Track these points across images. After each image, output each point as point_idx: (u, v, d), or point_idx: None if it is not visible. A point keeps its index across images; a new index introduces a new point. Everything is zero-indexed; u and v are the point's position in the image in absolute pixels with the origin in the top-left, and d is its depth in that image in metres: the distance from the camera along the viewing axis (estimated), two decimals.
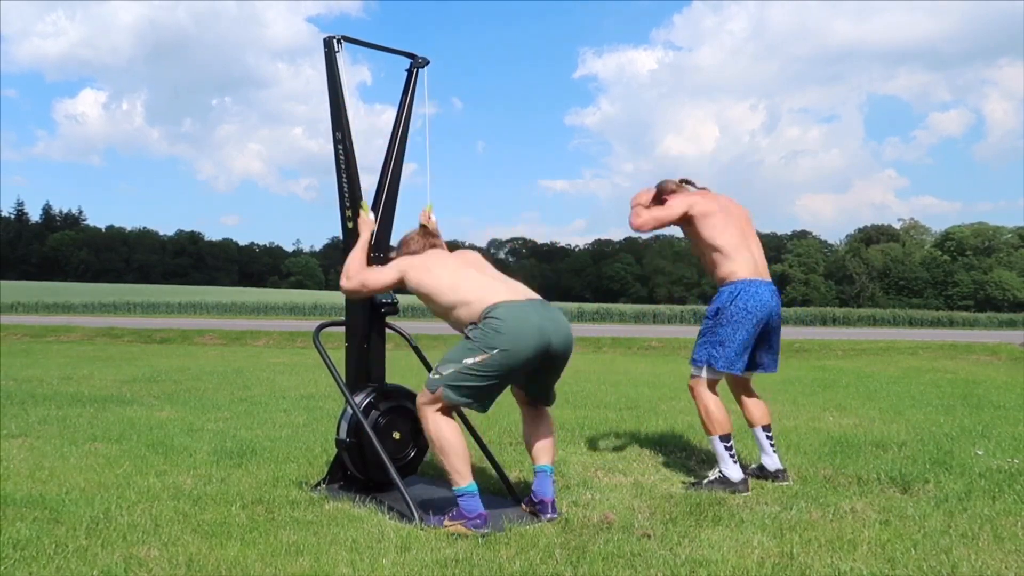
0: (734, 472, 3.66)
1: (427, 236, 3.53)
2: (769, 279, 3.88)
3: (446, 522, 3.03)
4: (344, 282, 3.42)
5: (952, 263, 73.47)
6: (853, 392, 8.03)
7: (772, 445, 3.94)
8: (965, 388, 8.43)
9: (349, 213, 3.63)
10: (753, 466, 4.00)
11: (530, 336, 3.00)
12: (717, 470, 3.72)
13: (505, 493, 3.56)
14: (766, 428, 3.96)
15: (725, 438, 3.72)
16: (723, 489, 3.60)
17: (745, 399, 4.04)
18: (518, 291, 3.19)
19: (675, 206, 3.88)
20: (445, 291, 3.19)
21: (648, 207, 3.97)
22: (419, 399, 3.16)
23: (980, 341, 16.35)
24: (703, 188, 4.08)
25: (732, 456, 3.70)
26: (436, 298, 3.21)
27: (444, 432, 3.07)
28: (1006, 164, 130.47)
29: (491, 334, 2.98)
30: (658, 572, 2.57)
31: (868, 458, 4.37)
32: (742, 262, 3.81)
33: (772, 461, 3.91)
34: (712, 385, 3.81)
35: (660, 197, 3.99)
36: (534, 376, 3.20)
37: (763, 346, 3.87)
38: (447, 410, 3.10)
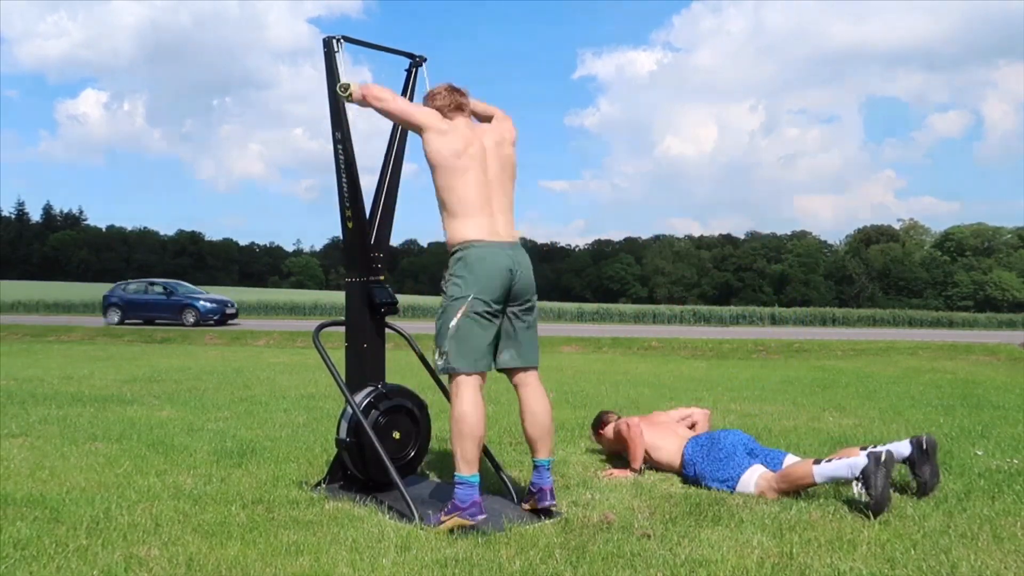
0: None
1: (454, 92, 3.41)
2: None
3: (442, 518, 3.03)
4: (378, 101, 3.37)
5: (952, 263, 73.49)
6: (853, 392, 8.03)
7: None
8: (964, 388, 8.43)
9: (349, 213, 3.63)
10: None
11: (496, 275, 3.15)
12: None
13: (505, 493, 3.56)
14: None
15: None
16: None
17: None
18: (497, 228, 3.23)
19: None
20: (446, 185, 3.23)
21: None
22: (450, 389, 3.20)
23: (980, 341, 16.35)
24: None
25: None
26: (436, 177, 3.25)
27: (469, 416, 3.09)
28: (1005, 164, 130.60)
29: (460, 281, 3.14)
30: (658, 572, 2.57)
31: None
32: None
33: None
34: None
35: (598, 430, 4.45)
36: (507, 325, 3.26)
37: None
38: (477, 389, 3.15)
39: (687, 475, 3.83)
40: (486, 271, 3.13)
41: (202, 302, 24.08)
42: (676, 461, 3.91)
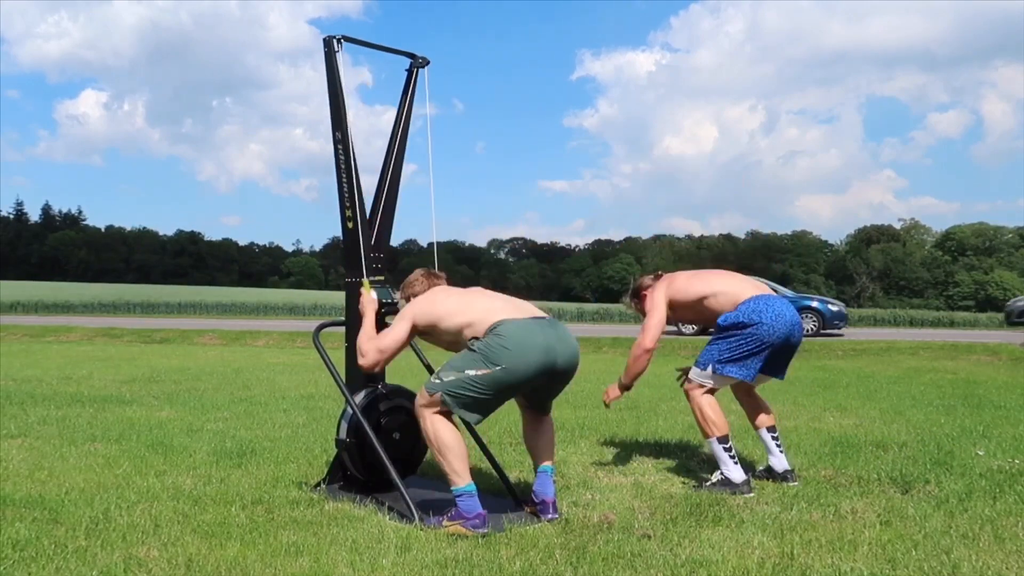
0: (736, 473, 3.65)
1: (430, 277, 3.48)
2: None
3: (445, 522, 3.03)
4: (362, 360, 3.30)
5: (953, 263, 73.47)
6: (853, 392, 8.02)
7: (779, 446, 3.94)
8: (966, 388, 8.42)
9: (349, 213, 3.63)
10: (761, 468, 4.00)
11: (535, 354, 3.01)
12: (719, 473, 3.70)
13: (505, 493, 3.56)
14: (771, 429, 3.96)
15: (723, 440, 3.71)
16: (726, 491, 3.58)
17: (748, 402, 4.03)
18: (524, 309, 3.19)
19: (657, 302, 3.92)
20: (451, 314, 3.18)
21: (644, 316, 3.96)
22: (417, 400, 3.16)
23: (981, 341, 16.32)
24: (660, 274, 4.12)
25: (732, 457, 3.69)
26: (442, 323, 3.18)
27: (442, 433, 3.07)
28: (1004, 164, 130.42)
29: (497, 350, 2.98)
30: (658, 572, 2.56)
31: (869, 458, 4.36)
32: (740, 287, 3.86)
33: (780, 462, 3.91)
34: (711, 389, 3.80)
35: (639, 293, 4.06)
36: (536, 390, 3.22)
37: (780, 357, 3.87)
38: (446, 412, 3.10)
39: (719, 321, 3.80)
40: (521, 345, 3.00)
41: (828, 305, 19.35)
42: (729, 305, 3.80)
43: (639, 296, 4.05)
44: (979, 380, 9.44)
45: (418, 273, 3.50)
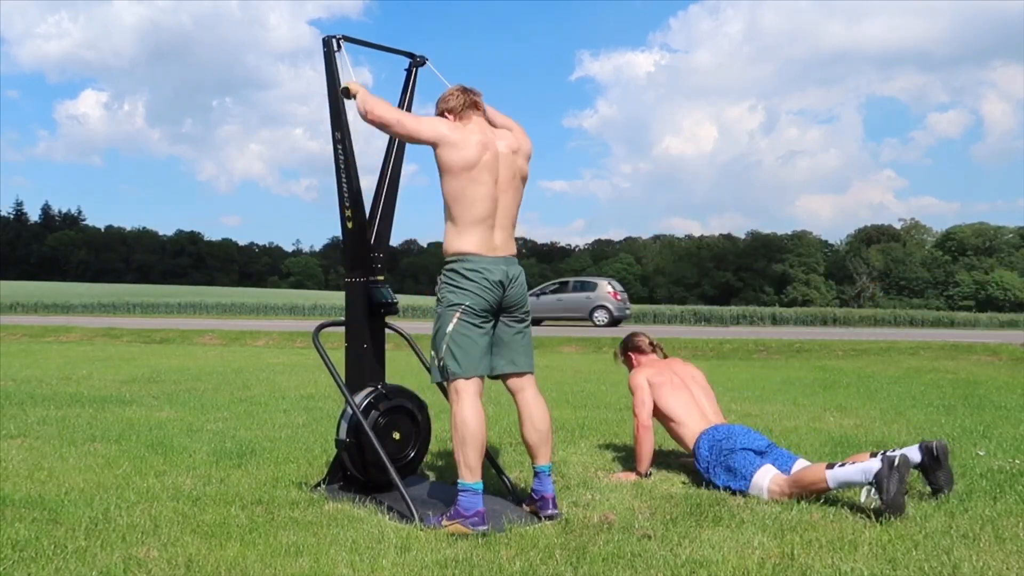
0: None
1: (467, 92, 3.32)
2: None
3: (444, 522, 3.02)
4: (375, 107, 3.25)
5: (953, 263, 73.45)
6: (854, 392, 8.02)
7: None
8: (966, 388, 8.42)
9: (349, 213, 3.62)
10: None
11: (488, 287, 3.14)
12: None
13: (505, 493, 3.55)
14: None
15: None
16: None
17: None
18: (495, 244, 3.21)
19: (639, 384, 4.06)
20: (453, 189, 3.19)
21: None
22: (449, 396, 3.19)
23: (981, 341, 16.32)
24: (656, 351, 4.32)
25: None
26: (446, 184, 3.21)
27: (470, 421, 3.07)
28: (1004, 164, 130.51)
29: (454, 290, 3.15)
30: (659, 573, 2.56)
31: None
32: (698, 420, 3.94)
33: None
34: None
35: (626, 352, 4.41)
36: (501, 334, 3.25)
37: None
38: (477, 395, 3.13)
39: (698, 467, 3.79)
40: (478, 284, 3.13)
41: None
42: (690, 445, 3.86)
43: (625, 355, 4.39)
44: (979, 380, 9.44)
45: (455, 88, 3.36)
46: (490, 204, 3.19)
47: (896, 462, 3.17)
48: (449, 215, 3.23)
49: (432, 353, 3.23)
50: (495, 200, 3.20)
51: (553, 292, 22.74)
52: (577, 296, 22.08)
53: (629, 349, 4.40)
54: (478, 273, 3.14)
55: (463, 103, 3.29)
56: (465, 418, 3.08)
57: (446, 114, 3.31)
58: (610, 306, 21.21)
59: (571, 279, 24.89)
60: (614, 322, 21.32)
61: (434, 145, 3.19)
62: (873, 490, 3.20)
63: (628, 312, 23.01)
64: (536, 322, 21.39)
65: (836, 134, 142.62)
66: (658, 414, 4.01)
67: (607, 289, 21.72)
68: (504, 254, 3.23)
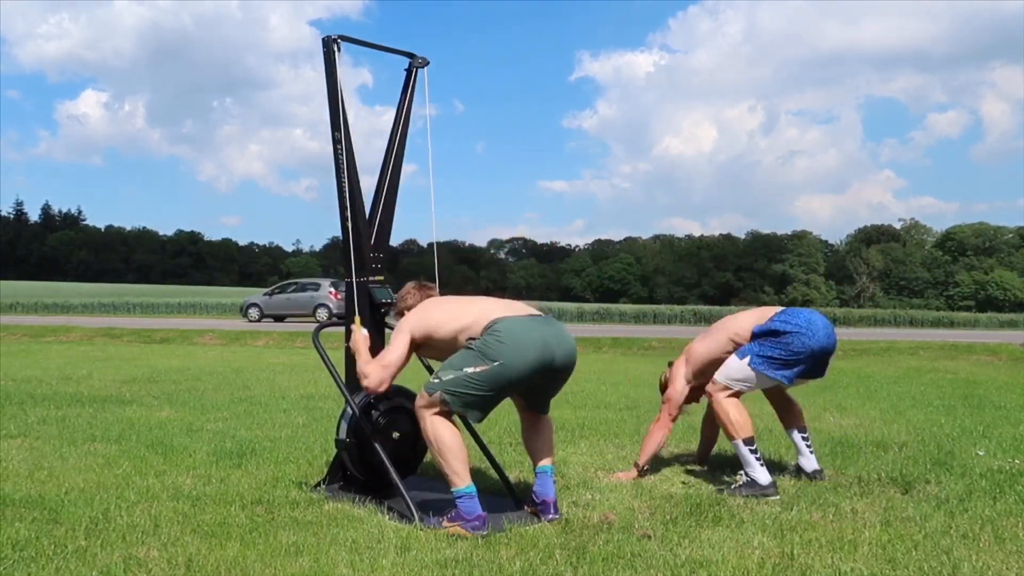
0: (762, 475, 3.62)
1: (422, 288, 3.51)
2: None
3: (445, 523, 3.02)
4: (366, 381, 3.26)
5: (953, 263, 73.45)
6: (853, 392, 8.02)
7: (809, 446, 3.99)
8: (966, 388, 8.42)
9: (349, 213, 3.62)
10: (792, 466, 4.06)
11: (532, 349, 3.00)
12: (743, 474, 3.68)
13: (505, 493, 3.55)
14: (802, 430, 4.02)
15: (749, 441, 3.68)
16: (752, 493, 3.55)
17: (779, 403, 4.09)
18: (518, 308, 3.20)
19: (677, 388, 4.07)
20: (446, 321, 3.18)
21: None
22: (417, 402, 3.16)
23: (981, 341, 16.32)
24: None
25: (758, 459, 3.66)
26: (438, 332, 3.18)
27: (442, 434, 3.06)
28: (1003, 165, 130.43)
29: (494, 346, 2.98)
30: (658, 573, 2.56)
31: (869, 458, 4.36)
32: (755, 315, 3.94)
33: (809, 462, 3.95)
34: (737, 394, 3.80)
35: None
36: (534, 389, 3.21)
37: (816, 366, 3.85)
38: (446, 412, 3.10)
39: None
40: (518, 342, 3.00)
41: None
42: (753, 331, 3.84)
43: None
44: (979, 380, 9.44)
45: (409, 286, 3.52)
46: (482, 303, 3.24)
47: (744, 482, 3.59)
48: (460, 338, 3.12)
49: (439, 370, 3.12)
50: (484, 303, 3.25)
51: (282, 292, 26.16)
52: (302, 296, 25.07)
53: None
54: (515, 332, 3.02)
55: (419, 299, 3.43)
56: (438, 433, 3.07)
57: (404, 312, 3.42)
58: (330, 304, 23.82)
59: (298, 280, 29.01)
60: (336, 316, 23.19)
61: (415, 337, 3.24)
62: (742, 480, 3.61)
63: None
64: (278, 319, 24.72)
65: (835, 134, 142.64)
66: (712, 366, 3.94)
67: (328, 290, 24.39)
68: (540, 313, 3.22)
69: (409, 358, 3.29)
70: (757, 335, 3.80)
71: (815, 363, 3.78)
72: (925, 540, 2.88)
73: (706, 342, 4.02)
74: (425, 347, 3.29)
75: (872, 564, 2.63)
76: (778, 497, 3.55)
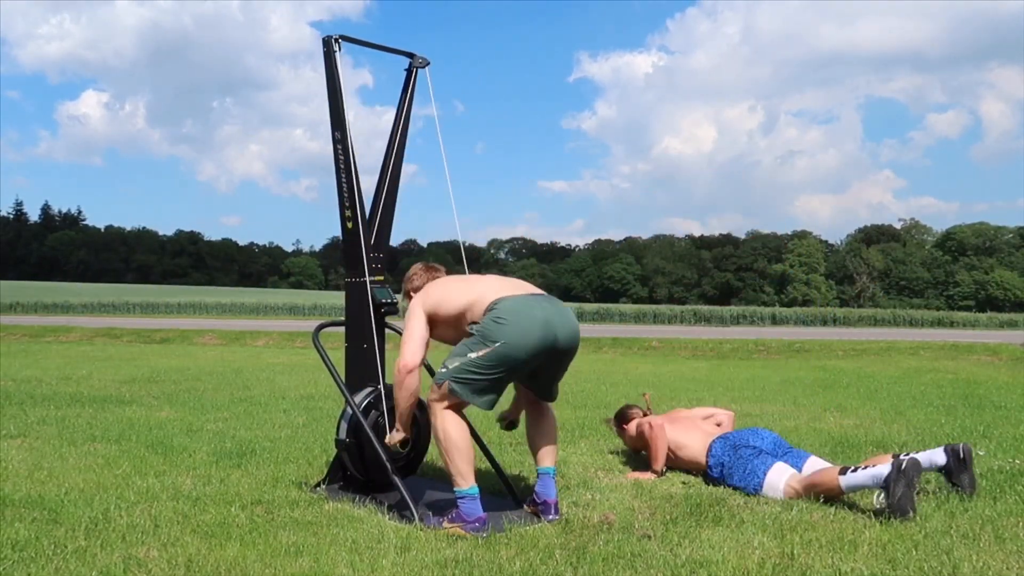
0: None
1: (429, 269, 3.52)
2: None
3: (445, 524, 3.02)
4: (401, 361, 3.16)
5: (953, 263, 73.47)
6: (854, 392, 8.02)
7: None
8: (966, 388, 8.42)
9: (349, 213, 3.62)
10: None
11: (534, 329, 2.99)
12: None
13: (505, 494, 3.55)
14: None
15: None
16: None
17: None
18: (520, 287, 3.20)
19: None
20: (449, 299, 3.18)
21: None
22: (430, 395, 3.16)
23: (981, 341, 16.33)
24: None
25: None
26: (441, 309, 3.18)
27: (451, 432, 3.06)
28: (1003, 165, 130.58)
29: (493, 327, 2.98)
30: (658, 573, 2.56)
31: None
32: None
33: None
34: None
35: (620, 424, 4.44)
36: (539, 371, 3.19)
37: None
38: (457, 409, 3.09)
39: (712, 475, 3.79)
40: (520, 322, 2.99)
41: None
42: (702, 459, 3.87)
43: (620, 427, 4.41)
44: (979, 380, 9.45)
45: (417, 267, 3.53)
46: (493, 282, 3.23)
47: (904, 465, 3.15)
48: (465, 320, 3.12)
49: (448, 357, 3.13)
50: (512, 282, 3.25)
51: None
52: None
53: (623, 422, 4.42)
54: (517, 311, 3.01)
55: (425, 280, 3.43)
56: (447, 430, 3.06)
57: (411, 293, 3.43)
58: None
59: None
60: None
61: (429, 314, 3.22)
62: (882, 494, 3.19)
63: None
64: None
65: (835, 134, 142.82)
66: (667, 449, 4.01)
67: None
68: (541, 292, 3.20)
69: (429, 335, 3.26)
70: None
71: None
72: (925, 540, 2.88)
73: (670, 431, 4.07)
74: (434, 326, 3.26)
75: (872, 564, 2.63)
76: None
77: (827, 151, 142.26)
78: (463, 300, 3.14)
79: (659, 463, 3.94)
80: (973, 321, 37.29)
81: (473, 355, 3.00)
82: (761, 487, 3.55)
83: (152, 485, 3.67)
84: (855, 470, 3.36)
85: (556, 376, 3.28)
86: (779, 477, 3.54)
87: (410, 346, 3.19)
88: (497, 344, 2.97)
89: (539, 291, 3.21)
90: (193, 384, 8.32)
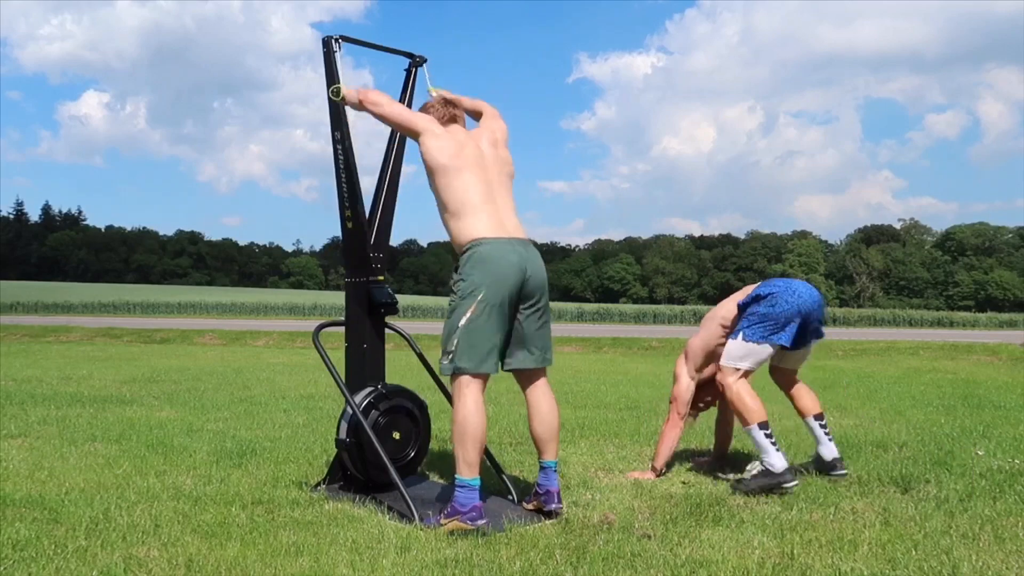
0: (777, 461, 3.56)
1: (447, 106, 3.46)
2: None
3: (442, 520, 3.02)
4: (364, 96, 3.37)
5: (953, 263, 73.51)
6: (853, 392, 8.02)
7: (827, 433, 3.95)
8: (966, 388, 8.42)
9: (349, 213, 3.63)
10: (811, 455, 4.09)
11: (509, 273, 3.08)
12: (757, 463, 3.64)
13: (505, 493, 3.55)
14: (818, 417, 3.98)
15: (764, 426, 3.63)
16: (768, 483, 3.52)
17: (793, 391, 4.08)
18: (505, 225, 3.19)
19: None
20: (444, 181, 3.19)
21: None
22: (452, 389, 3.16)
23: (980, 341, 16.34)
24: None
25: (774, 444, 3.61)
26: (438, 180, 3.21)
27: (471, 419, 3.06)
28: (1001, 165, 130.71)
29: (470, 278, 3.06)
30: (658, 573, 2.56)
31: (869, 458, 4.36)
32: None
33: (828, 450, 3.92)
34: (746, 375, 3.78)
35: None
36: (519, 328, 3.20)
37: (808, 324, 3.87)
38: (480, 392, 3.10)
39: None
40: (497, 268, 3.07)
41: None
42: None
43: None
44: (979, 380, 9.45)
45: (436, 100, 3.52)
46: (485, 188, 3.20)
47: (779, 476, 3.51)
48: (448, 210, 3.20)
49: (441, 349, 3.16)
50: (490, 186, 3.22)
51: None
52: None
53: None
54: (495, 258, 3.07)
55: (443, 116, 3.41)
56: (468, 414, 3.06)
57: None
58: None
59: None
60: None
61: (419, 135, 3.26)
62: (751, 473, 3.58)
63: None
64: None
65: (834, 135, 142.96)
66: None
67: None
68: (519, 236, 3.21)
69: (407, 121, 3.34)
70: (742, 308, 3.84)
71: (805, 321, 3.78)
72: (925, 540, 2.88)
73: (700, 335, 4.07)
74: (431, 174, 3.25)
75: (872, 564, 2.63)
76: (795, 483, 3.54)
77: (826, 151, 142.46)
78: (457, 199, 3.17)
79: (660, 462, 3.94)
80: (973, 321, 37.31)
81: (463, 320, 3.06)
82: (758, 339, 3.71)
83: (152, 485, 3.68)
84: (774, 444, 3.59)
85: (533, 327, 3.23)
86: (736, 362, 3.72)
87: (389, 104, 3.39)
88: (478, 299, 3.05)
89: (520, 235, 3.22)
90: (193, 384, 8.32)
